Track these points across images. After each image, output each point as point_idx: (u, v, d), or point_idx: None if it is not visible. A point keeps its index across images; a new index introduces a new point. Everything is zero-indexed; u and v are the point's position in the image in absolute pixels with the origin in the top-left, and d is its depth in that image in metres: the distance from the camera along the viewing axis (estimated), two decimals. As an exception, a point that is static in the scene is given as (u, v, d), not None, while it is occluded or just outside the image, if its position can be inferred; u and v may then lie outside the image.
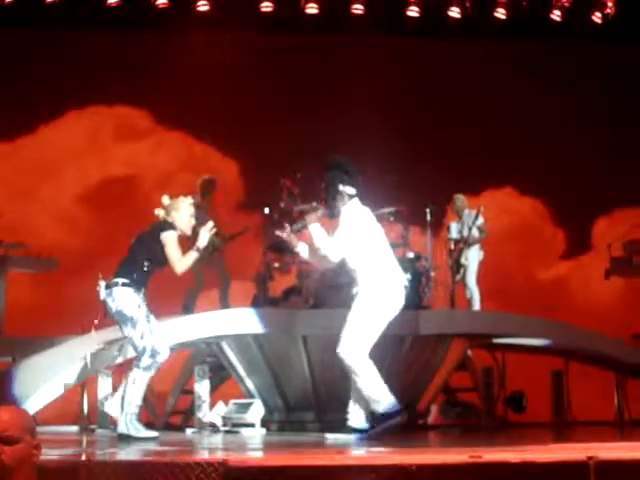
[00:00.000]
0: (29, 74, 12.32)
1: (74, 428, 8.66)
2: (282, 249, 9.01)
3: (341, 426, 6.37)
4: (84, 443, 6.25)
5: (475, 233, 10.19)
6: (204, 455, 5.04)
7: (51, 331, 9.00)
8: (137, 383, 6.23)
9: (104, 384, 8.45)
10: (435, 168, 11.96)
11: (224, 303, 9.39)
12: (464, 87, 12.74)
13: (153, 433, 6.40)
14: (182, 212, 6.47)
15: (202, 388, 8.15)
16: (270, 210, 8.84)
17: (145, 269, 6.34)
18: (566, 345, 9.29)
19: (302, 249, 6.54)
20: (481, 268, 10.22)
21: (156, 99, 12.59)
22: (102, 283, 6.31)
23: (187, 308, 9.24)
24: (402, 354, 8.12)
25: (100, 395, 8.39)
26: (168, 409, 9.64)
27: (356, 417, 6.27)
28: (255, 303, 8.84)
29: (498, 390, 9.64)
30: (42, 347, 8.12)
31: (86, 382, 8.51)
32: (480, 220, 10.19)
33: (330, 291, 8.35)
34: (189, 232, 6.49)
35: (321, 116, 12.24)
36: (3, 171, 12.48)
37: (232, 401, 8.28)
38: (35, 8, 12.10)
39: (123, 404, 6.24)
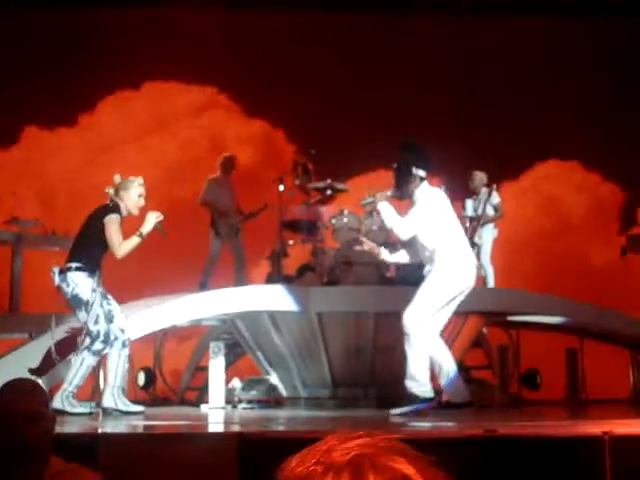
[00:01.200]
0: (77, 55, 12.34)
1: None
2: (296, 226, 9.03)
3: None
4: (100, 417, 6.29)
5: (490, 211, 10.13)
6: (219, 428, 5.07)
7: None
8: (83, 365, 6.25)
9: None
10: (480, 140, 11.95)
11: (239, 281, 9.42)
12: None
13: (86, 409, 6.43)
14: (130, 191, 6.41)
15: (217, 365, 8.18)
16: (284, 186, 8.83)
17: (96, 251, 6.30)
18: (581, 322, 9.26)
19: (385, 254, 6.63)
20: (494, 246, 10.20)
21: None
22: (55, 269, 6.28)
23: (203, 285, 9.26)
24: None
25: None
26: (183, 385, 9.71)
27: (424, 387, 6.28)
28: (270, 280, 8.85)
29: (512, 368, 9.62)
30: (59, 324, 8.16)
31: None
32: (496, 199, 10.13)
33: (344, 268, 8.36)
34: (136, 212, 6.43)
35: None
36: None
37: (247, 378, 8.32)
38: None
39: (65, 381, 6.26)
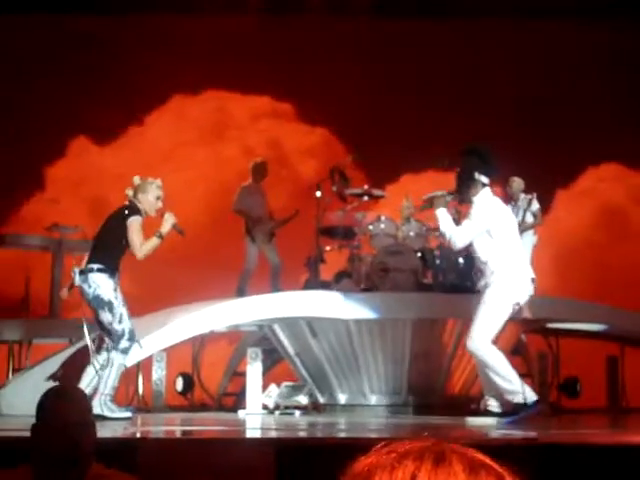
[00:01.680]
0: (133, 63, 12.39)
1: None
2: (333, 232, 9.03)
3: (481, 410, 6.31)
4: (139, 422, 6.33)
5: (529, 219, 10.04)
6: (256, 434, 5.08)
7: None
8: (114, 366, 6.24)
9: (159, 366, 8.55)
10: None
11: (275, 286, 9.43)
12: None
13: (127, 414, 6.40)
14: (148, 194, 6.41)
15: (254, 370, 8.19)
16: (322, 193, 8.83)
17: (116, 252, 6.32)
18: (621, 330, 9.15)
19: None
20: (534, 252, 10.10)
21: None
22: (76, 269, 6.31)
23: (240, 291, 9.30)
24: (453, 338, 8.08)
25: (155, 376, 8.48)
26: (220, 391, 9.74)
27: (492, 402, 6.20)
28: (307, 286, 8.86)
29: (552, 376, 9.53)
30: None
31: (141, 363, 8.62)
32: (535, 205, 10.04)
33: (381, 275, 8.34)
34: (153, 214, 6.42)
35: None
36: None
37: (284, 384, 8.32)
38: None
39: (99, 386, 6.23)
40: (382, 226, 8.78)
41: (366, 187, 9.03)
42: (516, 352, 9.25)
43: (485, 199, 6.16)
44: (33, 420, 2.54)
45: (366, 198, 9.05)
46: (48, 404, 2.54)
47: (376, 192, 9.12)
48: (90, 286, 6.26)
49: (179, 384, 9.53)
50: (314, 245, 8.80)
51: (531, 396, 6.04)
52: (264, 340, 9.00)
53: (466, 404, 8.42)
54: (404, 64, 12.63)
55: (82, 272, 6.29)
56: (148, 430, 5.49)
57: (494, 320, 6.14)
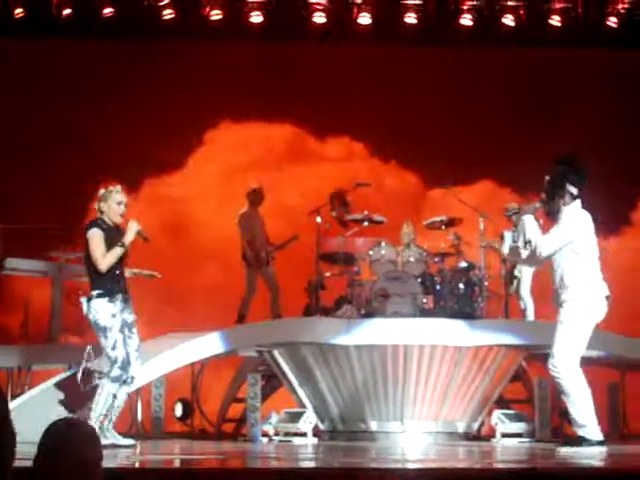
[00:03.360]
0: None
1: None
2: (333, 258, 9.02)
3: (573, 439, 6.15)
4: (138, 450, 6.28)
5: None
6: (257, 464, 5.04)
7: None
8: (103, 393, 6.19)
9: (158, 392, 8.51)
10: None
11: (275, 311, 9.41)
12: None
13: (129, 441, 6.35)
14: (109, 201, 6.36)
15: (254, 396, 8.15)
16: (322, 218, 8.83)
17: (105, 273, 6.25)
18: (621, 356, 9.12)
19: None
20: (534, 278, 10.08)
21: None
22: (83, 299, 6.28)
23: (240, 317, 9.28)
24: (454, 365, 8.06)
25: (154, 402, 8.44)
26: (220, 417, 9.69)
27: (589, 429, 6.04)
28: (307, 312, 8.84)
29: (553, 402, 9.48)
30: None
31: (141, 389, 8.59)
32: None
33: (381, 300, 8.33)
34: (119, 220, 6.35)
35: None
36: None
37: (284, 410, 8.28)
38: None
39: (91, 414, 6.17)
40: (382, 252, 8.78)
41: (366, 212, 9.03)
42: (516, 378, 9.22)
43: (574, 210, 6.06)
44: (33, 447, 2.47)
45: (366, 224, 9.06)
46: (59, 438, 2.44)
47: (376, 217, 9.12)
48: (91, 313, 6.25)
49: (178, 410, 9.49)
50: (314, 271, 8.79)
51: (596, 434, 5.90)
52: (264, 366, 8.97)
53: (469, 432, 8.39)
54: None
55: (88, 299, 6.27)
56: (146, 459, 5.45)
57: (575, 340, 5.99)
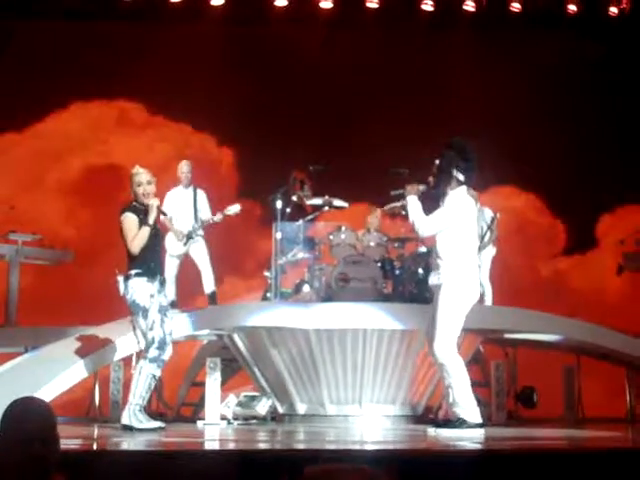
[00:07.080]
0: (37, 66, 12.35)
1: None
2: (293, 242, 9.02)
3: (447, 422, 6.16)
4: (95, 434, 6.25)
5: (488, 233, 10.11)
6: (216, 446, 5.05)
7: (63, 321, 9.02)
8: (142, 374, 6.21)
9: (116, 376, 8.46)
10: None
11: (211, 296, 9.16)
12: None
13: (157, 423, 6.36)
14: (133, 185, 6.47)
15: (213, 380, 8.15)
16: (282, 203, 8.80)
17: (142, 253, 6.28)
18: (577, 341, 9.26)
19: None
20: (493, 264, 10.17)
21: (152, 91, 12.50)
22: (120, 278, 6.29)
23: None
24: (413, 349, 8.12)
25: (112, 386, 8.39)
26: (179, 401, 9.67)
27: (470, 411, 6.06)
28: (266, 296, 8.84)
29: (509, 385, 9.61)
30: (54, 337, 8.14)
31: (98, 373, 8.54)
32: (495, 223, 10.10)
33: (341, 284, 8.36)
34: (146, 200, 6.40)
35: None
36: (12, 160, 12.55)
37: (242, 394, 8.29)
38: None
39: (130, 395, 6.23)
40: (343, 236, 8.80)
41: (327, 197, 9.03)
42: (474, 361, 9.32)
43: (459, 196, 6.11)
44: None
45: (327, 208, 9.06)
46: (13, 416, 2.48)
47: (337, 202, 9.12)
48: (128, 292, 6.24)
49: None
50: (274, 255, 8.78)
51: (476, 417, 5.97)
52: (223, 349, 8.95)
53: (426, 414, 8.47)
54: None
55: (125, 278, 6.27)
56: (104, 441, 5.43)
57: (453, 320, 6.06)
